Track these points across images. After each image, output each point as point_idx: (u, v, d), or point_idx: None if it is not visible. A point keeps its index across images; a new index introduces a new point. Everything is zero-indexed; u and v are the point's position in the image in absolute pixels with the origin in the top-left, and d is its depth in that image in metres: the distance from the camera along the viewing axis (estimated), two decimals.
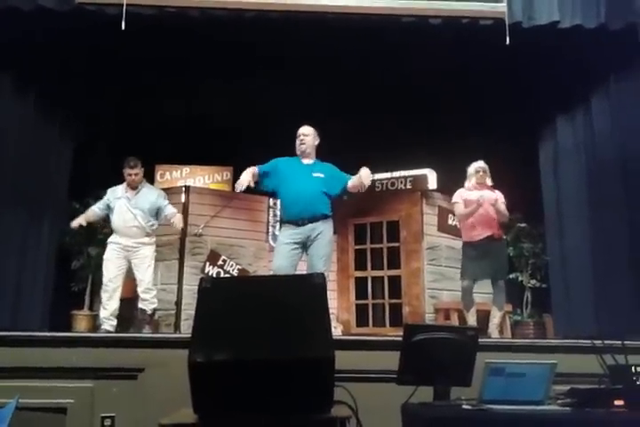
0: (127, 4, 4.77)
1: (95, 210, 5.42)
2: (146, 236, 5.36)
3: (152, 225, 5.41)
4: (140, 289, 5.34)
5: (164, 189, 6.63)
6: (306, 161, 4.76)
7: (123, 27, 4.74)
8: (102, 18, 4.94)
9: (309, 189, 4.58)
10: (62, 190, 5.78)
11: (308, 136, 4.77)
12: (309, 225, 4.53)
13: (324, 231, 4.56)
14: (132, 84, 6.30)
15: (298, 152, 4.78)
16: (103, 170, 6.36)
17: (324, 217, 4.61)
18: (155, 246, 5.47)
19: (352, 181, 4.62)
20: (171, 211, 5.43)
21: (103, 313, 5.22)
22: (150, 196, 5.44)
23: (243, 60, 6.05)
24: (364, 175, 4.49)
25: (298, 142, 4.78)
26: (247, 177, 4.46)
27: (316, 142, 4.82)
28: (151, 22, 5.10)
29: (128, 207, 5.31)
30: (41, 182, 5.48)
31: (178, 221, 5.39)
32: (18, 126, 5.25)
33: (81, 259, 6.18)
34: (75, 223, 5.27)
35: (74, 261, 6.17)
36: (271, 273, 4.68)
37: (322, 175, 4.67)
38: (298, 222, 4.55)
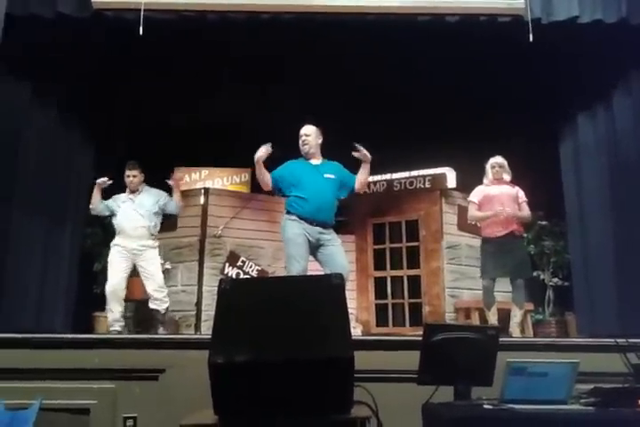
0: (145, 10, 4.81)
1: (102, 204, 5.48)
2: (150, 238, 5.42)
3: (155, 226, 5.47)
4: (150, 289, 5.36)
5: (183, 191, 6.68)
6: (314, 161, 4.72)
7: (140, 32, 4.78)
8: (120, 23, 4.99)
9: (323, 191, 4.55)
10: (83, 194, 5.83)
11: (309, 136, 4.71)
12: (317, 228, 4.50)
13: (332, 240, 4.53)
14: (151, 88, 6.34)
15: (302, 153, 4.73)
16: (123, 173, 6.43)
17: (331, 226, 4.60)
18: (157, 249, 5.51)
19: (357, 181, 4.65)
20: (172, 207, 5.55)
21: (110, 316, 5.27)
22: (152, 196, 5.53)
23: (261, 63, 6.07)
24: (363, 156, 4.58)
25: (300, 143, 4.72)
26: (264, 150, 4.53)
27: (319, 141, 4.76)
28: (169, 27, 5.14)
29: (134, 208, 5.40)
30: (63, 186, 5.54)
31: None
32: (39, 132, 5.31)
33: (102, 261, 6.23)
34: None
35: (95, 264, 6.23)
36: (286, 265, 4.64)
37: (333, 176, 4.63)
38: (307, 220, 4.49)
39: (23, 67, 5.15)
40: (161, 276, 5.46)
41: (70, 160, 5.68)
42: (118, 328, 5.24)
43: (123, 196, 5.54)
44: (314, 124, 4.81)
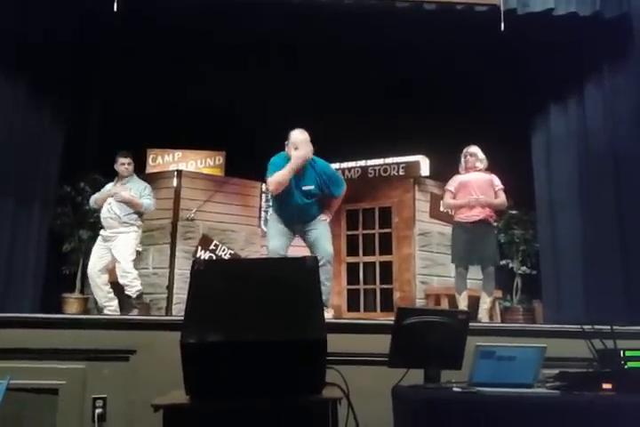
0: None
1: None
2: (121, 226, 5.41)
3: (127, 215, 5.42)
4: (118, 274, 5.39)
5: (156, 173, 6.60)
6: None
7: (115, 8, 4.69)
8: (94, 3, 4.88)
9: (298, 202, 4.56)
10: (53, 174, 5.74)
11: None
12: (299, 225, 4.62)
13: (315, 224, 4.60)
14: (125, 68, 6.25)
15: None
16: (95, 154, 6.34)
17: (314, 218, 4.65)
18: (136, 234, 5.50)
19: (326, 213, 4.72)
20: (147, 202, 5.52)
21: (98, 301, 5.43)
22: (134, 187, 5.53)
23: (237, 45, 6.01)
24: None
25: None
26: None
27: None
28: (144, 4, 5.05)
29: (109, 201, 5.44)
30: (32, 167, 5.42)
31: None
32: (8, 111, 5.17)
33: (72, 242, 6.16)
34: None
35: (65, 245, 6.16)
36: (265, 256, 4.70)
37: (312, 187, 4.56)
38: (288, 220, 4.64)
39: None
40: (127, 261, 5.38)
41: (40, 141, 5.54)
42: (108, 312, 5.31)
43: (109, 186, 5.60)
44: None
